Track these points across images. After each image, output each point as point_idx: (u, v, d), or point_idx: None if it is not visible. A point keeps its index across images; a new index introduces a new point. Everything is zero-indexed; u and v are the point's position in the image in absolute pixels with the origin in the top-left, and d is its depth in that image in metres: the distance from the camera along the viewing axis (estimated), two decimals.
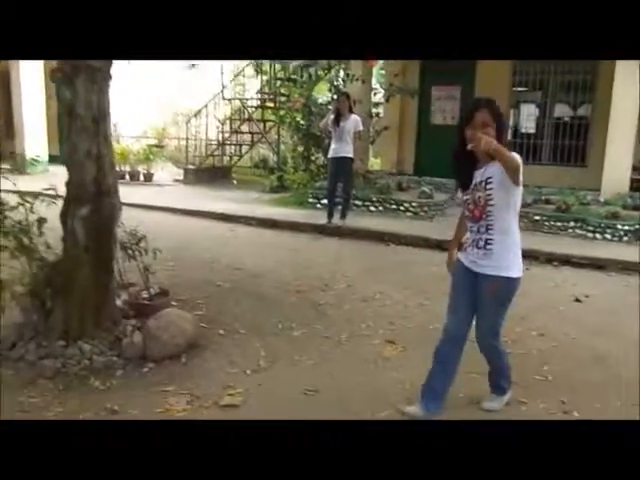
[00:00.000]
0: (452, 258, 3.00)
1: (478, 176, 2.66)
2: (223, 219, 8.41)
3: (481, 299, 2.77)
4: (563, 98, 10.60)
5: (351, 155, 7.41)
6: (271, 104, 12.46)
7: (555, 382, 3.42)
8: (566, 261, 6.36)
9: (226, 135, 13.00)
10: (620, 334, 4.23)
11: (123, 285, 4.15)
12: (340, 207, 7.74)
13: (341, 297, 4.92)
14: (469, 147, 2.51)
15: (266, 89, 12.90)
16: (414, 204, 8.52)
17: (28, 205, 3.58)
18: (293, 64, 11.44)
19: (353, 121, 7.42)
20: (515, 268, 2.69)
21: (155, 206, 9.11)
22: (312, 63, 10.69)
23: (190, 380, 3.28)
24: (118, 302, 3.89)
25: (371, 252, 6.85)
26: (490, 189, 2.60)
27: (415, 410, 2.90)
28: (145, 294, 4.06)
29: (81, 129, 3.23)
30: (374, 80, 12.16)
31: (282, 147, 12.93)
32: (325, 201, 8.25)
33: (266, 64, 12.56)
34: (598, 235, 7.33)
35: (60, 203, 3.56)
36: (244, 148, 13.48)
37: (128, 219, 3.89)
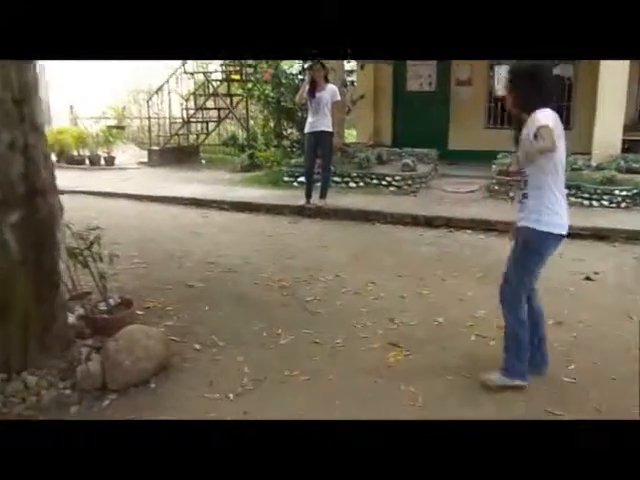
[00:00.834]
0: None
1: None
2: (193, 204, 7.75)
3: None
4: None
5: (330, 129, 6.77)
6: (237, 77, 11.83)
7: (584, 384, 2.96)
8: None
9: (191, 112, 12.28)
10: None
11: (78, 296, 3.54)
12: (319, 185, 7.14)
13: (330, 291, 4.38)
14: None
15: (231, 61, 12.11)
16: (397, 178, 8.01)
17: None
18: None
19: (330, 91, 6.76)
20: (543, 222, 2.71)
21: (117, 193, 8.40)
22: None
23: (162, 411, 2.72)
24: (71, 318, 3.28)
25: (356, 234, 6.30)
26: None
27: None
28: (103, 306, 3.45)
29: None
30: None
31: (251, 122, 12.30)
32: (302, 179, 7.66)
33: None
34: (595, 202, 6.92)
35: None
36: (211, 125, 12.79)
37: (86, 209, 3.26)
